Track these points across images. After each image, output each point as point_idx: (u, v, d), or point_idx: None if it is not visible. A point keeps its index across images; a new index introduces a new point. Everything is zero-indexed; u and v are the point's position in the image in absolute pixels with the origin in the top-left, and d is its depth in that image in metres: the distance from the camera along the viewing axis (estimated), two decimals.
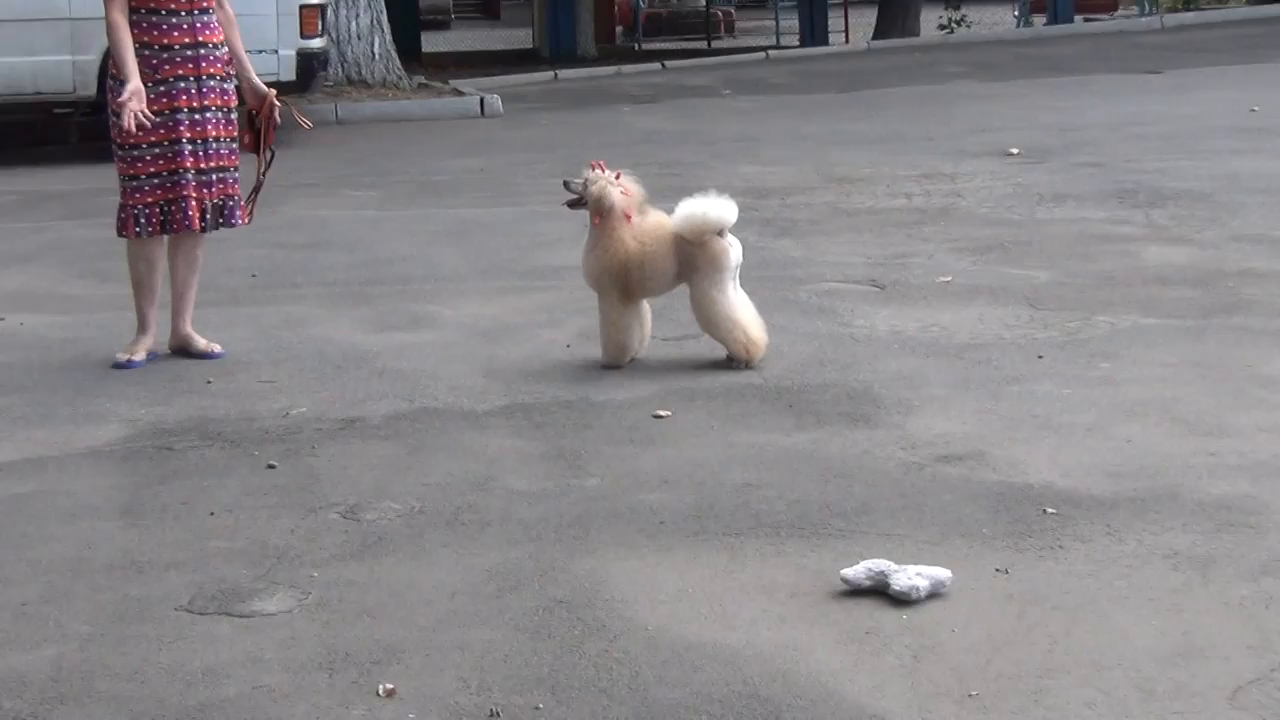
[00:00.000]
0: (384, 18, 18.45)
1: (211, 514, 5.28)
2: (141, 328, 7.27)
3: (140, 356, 7.19)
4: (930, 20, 27.30)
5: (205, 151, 7.12)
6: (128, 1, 7.00)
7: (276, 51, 14.22)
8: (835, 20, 28.41)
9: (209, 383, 6.88)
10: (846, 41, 27.17)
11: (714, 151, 13.55)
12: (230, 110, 7.20)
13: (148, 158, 7.04)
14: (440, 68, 22.61)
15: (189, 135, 7.07)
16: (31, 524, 5.24)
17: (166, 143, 7.05)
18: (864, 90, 18.29)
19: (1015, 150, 12.69)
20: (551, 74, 21.69)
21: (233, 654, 4.22)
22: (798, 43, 27.29)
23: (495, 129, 16.10)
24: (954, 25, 26.54)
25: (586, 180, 6.88)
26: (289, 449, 5.95)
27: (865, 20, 29.12)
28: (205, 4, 7.12)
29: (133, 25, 6.99)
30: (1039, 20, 27.92)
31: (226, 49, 7.19)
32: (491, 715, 3.85)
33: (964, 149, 13.03)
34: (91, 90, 13.75)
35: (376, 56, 18.36)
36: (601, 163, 6.96)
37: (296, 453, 5.90)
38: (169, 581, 4.72)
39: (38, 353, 7.45)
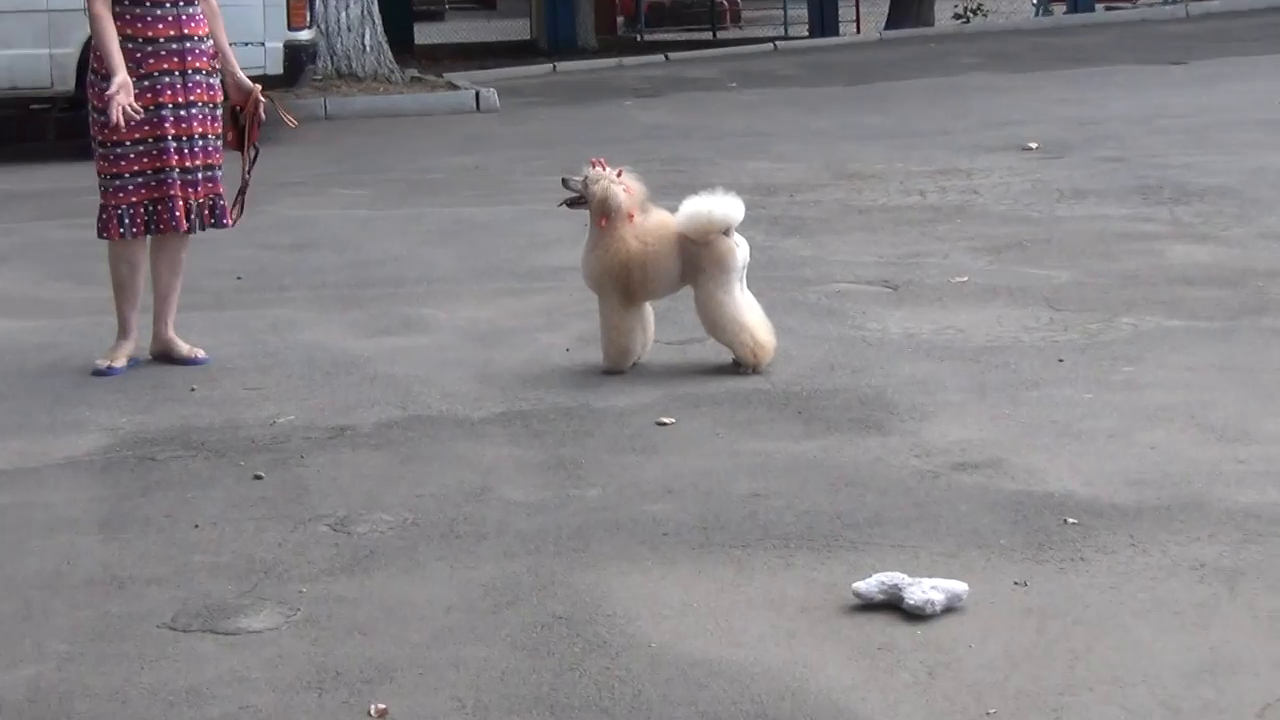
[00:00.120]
0: (375, 8, 18.45)
1: (196, 527, 5.28)
2: (122, 333, 7.27)
3: (121, 363, 7.19)
4: (945, 9, 27.32)
5: (190, 149, 7.12)
6: None
7: (262, 44, 14.21)
8: (846, 10, 28.42)
9: (193, 390, 6.88)
10: (858, 32, 27.17)
11: (719, 147, 13.55)
12: (216, 106, 7.21)
13: (131, 155, 7.05)
14: (434, 60, 22.61)
15: (173, 132, 7.07)
16: (7, 538, 5.24)
17: (151, 140, 7.06)
18: (876, 83, 18.29)
19: (1034, 145, 12.69)
20: (550, 66, 21.69)
21: (218, 673, 4.22)
22: (806, 33, 27.29)
23: (491, 124, 16.11)
24: (970, 14, 26.55)
25: (586, 178, 6.88)
26: (276, 459, 5.95)
27: (877, 10, 29.15)
28: None
29: (116, 17, 6.99)
30: (1058, 9, 27.92)
31: (212, 42, 7.20)
32: None
33: (980, 143, 13.03)
34: (70, 85, 13.75)
35: (367, 49, 18.37)
36: (602, 160, 6.96)
37: (284, 463, 5.90)
38: (151, 598, 4.72)
39: (13, 359, 7.46)
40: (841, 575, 4.67)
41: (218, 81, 7.21)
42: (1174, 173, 11.25)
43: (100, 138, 7.05)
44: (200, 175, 7.16)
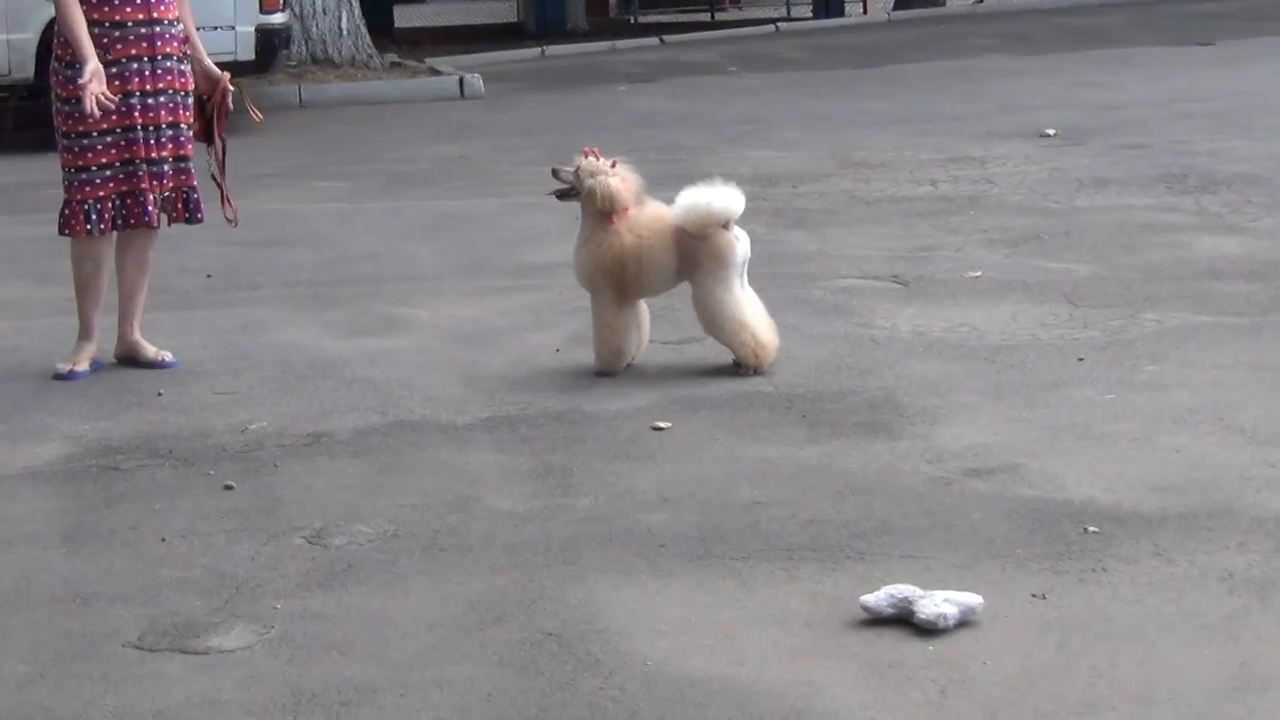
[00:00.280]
0: None
1: (163, 540, 5.28)
2: (85, 334, 7.26)
3: (83, 366, 7.19)
4: None
5: (157, 139, 7.10)
6: None
7: (233, 28, 14.20)
8: None
9: (159, 395, 6.88)
10: (864, 12, 27.19)
11: (718, 135, 13.56)
12: (187, 94, 7.19)
13: (99, 147, 7.03)
14: (415, 45, 22.63)
15: (141, 121, 7.06)
16: None
17: (120, 130, 7.04)
18: (884, 66, 18.30)
19: (1051, 131, 12.70)
20: (538, 50, 21.71)
21: (186, 695, 4.21)
22: (810, 14, 27.32)
23: (476, 112, 16.11)
24: None
25: (578, 169, 6.88)
26: (248, 468, 5.94)
27: None
28: None
29: (82, 1, 6.97)
30: None
31: (182, 26, 7.19)
32: None
33: (995, 130, 13.04)
34: (29, 72, 13.75)
35: (344, 33, 18.37)
36: (595, 149, 6.96)
37: (257, 472, 5.90)
38: (116, 615, 4.71)
39: None
40: (848, 588, 4.66)
41: (188, 68, 7.20)
42: (1200, 160, 11.26)
43: (65, 129, 7.04)
44: (167, 167, 7.15)
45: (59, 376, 7.13)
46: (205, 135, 7.32)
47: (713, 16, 28.94)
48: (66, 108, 6.98)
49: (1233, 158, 11.30)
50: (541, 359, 7.18)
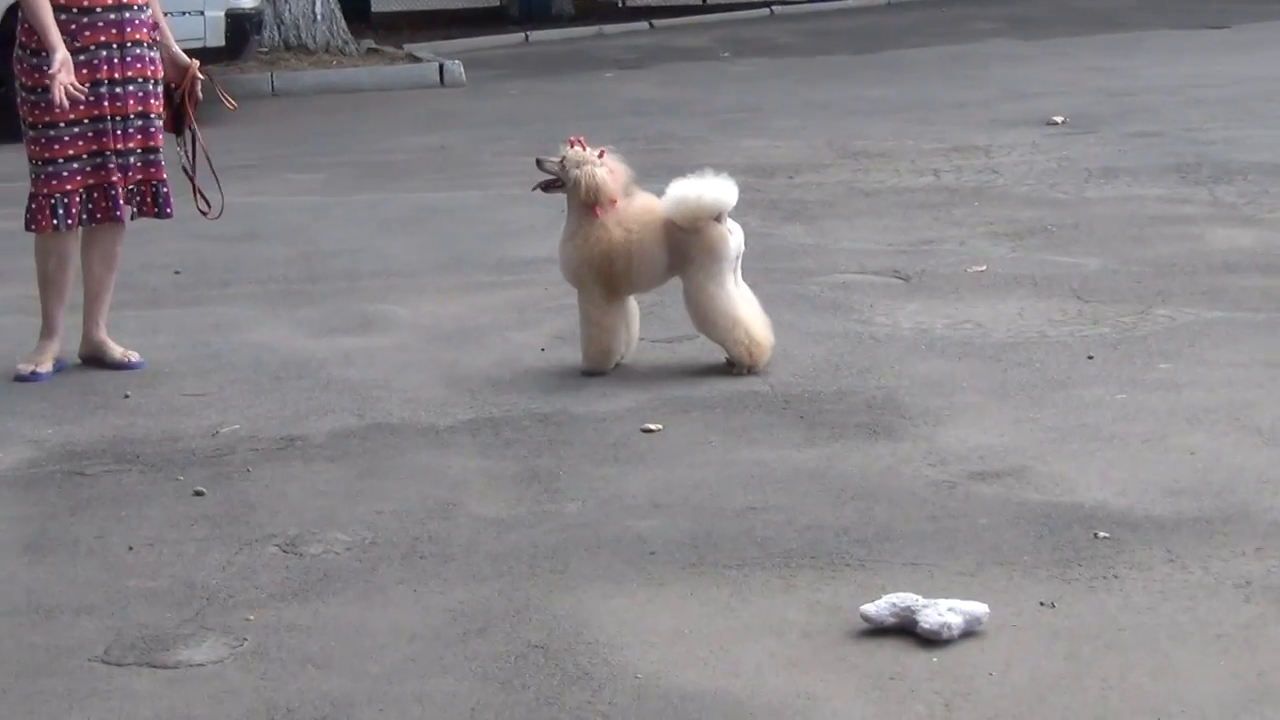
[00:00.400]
0: None
1: (130, 549, 5.27)
2: (48, 333, 7.25)
3: (46, 367, 7.18)
4: None
5: (125, 130, 7.09)
6: None
7: (202, 12, 14.17)
8: None
9: (126, 397, 6.87)
10: None
11: (710, 123, 13.56)
12: (156, 83, 7.18)
13: (66, 138, 7.02)
14: (393, 30, 22.59)
15: (110, 111, 7.05)
16: None
17: (88, 120, 7.03)
18: (884, 51, 18.30)
19: (1059, 119, 12.71)
20: (522, 36, 21.68)
21: (155, 711, 4.21)
22: None
23: (457, 100, 16.10)
24: None
25: (564, 159, 6.88)
26: (219, 473, 5.94)
27: None
28: None
29: None
30: None
31: (151, 11, 7.18)
32: None
33: (999, 118, 13.05)
34: None
35: (319, 17, 18.35)
36: (581, 139, 6.95)
37: (228, 477, 5.89)
38: (81, 628, 4.71)
39: None
40: (848, 597, 4.67)
41: (158, 55, 7.19)
42: (1214, 149, 11.27)
43: (32, 119, 7.02)
44: (135, 159, 7.14)
45: (20, 378, 7.12)
46: (174, 125, 7.31)
47: (704, 0, 28.91)
48: (33, 97, 6.96)
49: (1248, 146, 11.31)
50: (526, 358, 7.18)
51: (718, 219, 6.73)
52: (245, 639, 4.59)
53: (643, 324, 7.12)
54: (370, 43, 19.49)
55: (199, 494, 5.73)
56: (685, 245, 6.75)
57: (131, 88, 7.08)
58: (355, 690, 4.27)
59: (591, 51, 19.84)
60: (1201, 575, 4.75)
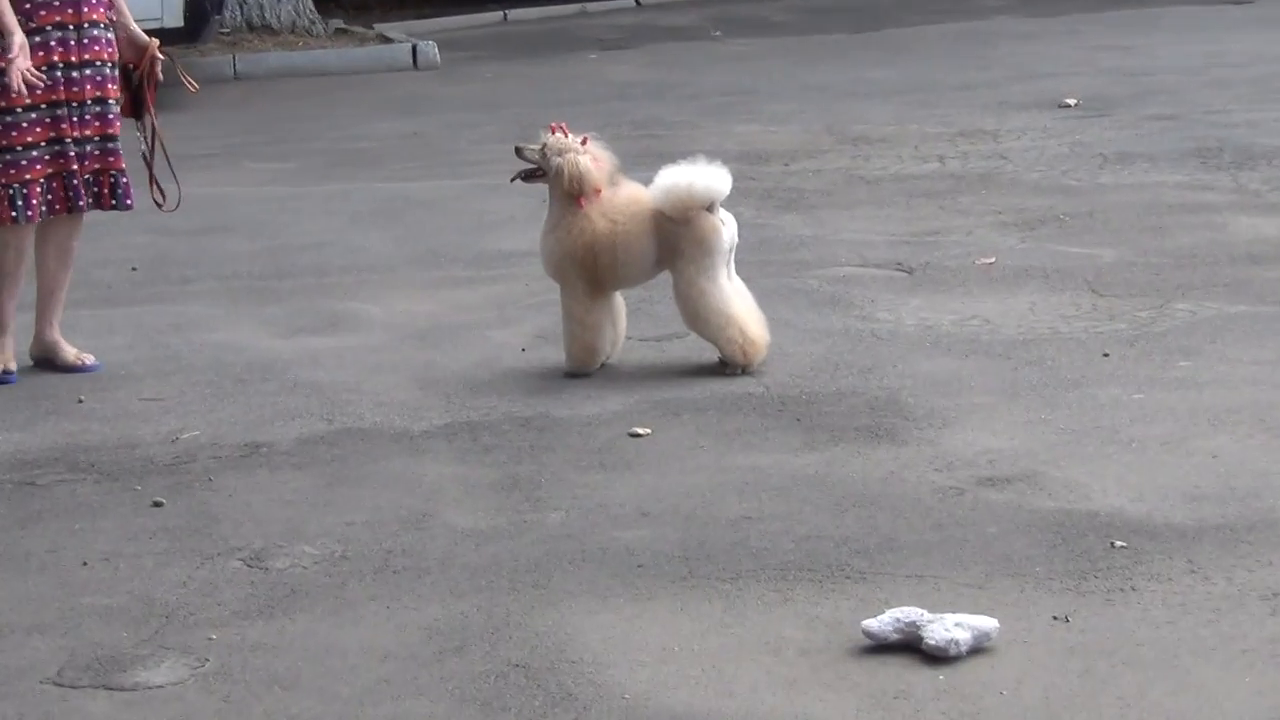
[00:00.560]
0: None
1: (84, 564, 5.27)
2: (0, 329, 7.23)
3: (13, 366, 7.15)
4: None
5: (81, 116, 7.08)
6: None
7: None
8: None
9: (80, 401, 6.87)
10: None
11: (701, 107, 13.56)
12: (114, 66, 7.17)
13: (24, 125, 7.00)
14: (362, 9, 22.58)
15: (65, 97, 7.03)
16: None
17: (46, 105, 7.00)
18: (885, 29, 18.31)
19: (1072, 101, 12.72)
20: (500, 14, 21.67)
21: None
22: None
23: (431, 84, 16.09)
24: None
25: (545, 147, 6.88)
26: (179, 482, 5.93)
27: None
28: None
29: None
30: None
31: None
32: None
33: (1008, 100, 13.06)
34: None
35: None
36: (563, 125, 6.96)
37: (189, 486, 5.89)
38: (33, 648, 4.70)
39: None
40: (849, 612, 4.67)
41: (114, 36, 7.18)
42: (1236, 132, 11.28)
43: None
44: (91, 148, 7.12)
45: None
46: (133, 110, 7.29)
47: None
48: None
49: (1273, 129, 11.32)
50: (505, 359, 7.18)
51: (709, 209, 6.73)
52: (207, 659, 4.59)
53: (630, 321, 7.12)
54: (339, 23, 19.48)
55: (158, 505, 5.72)
56: (675, 237, 6.75)
57: (89, 71, 7.07)
58: (324, 713, 4.27)
59: (574, 31, 19.84)
60: (1225, 586, 4.76)
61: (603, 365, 6.93)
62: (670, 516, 5.42)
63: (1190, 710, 4.11)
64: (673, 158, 6.90)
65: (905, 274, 8.22)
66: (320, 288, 8.48)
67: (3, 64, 6.83)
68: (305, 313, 8.03)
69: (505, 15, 21.59)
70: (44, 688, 4.47)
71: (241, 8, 18.08)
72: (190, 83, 7.55)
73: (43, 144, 7.02)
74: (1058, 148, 11.08)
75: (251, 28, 18.10)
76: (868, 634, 4.48)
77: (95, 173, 7.16)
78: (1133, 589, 4.76)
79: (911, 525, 5.27)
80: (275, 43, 17.86)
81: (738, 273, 6.89)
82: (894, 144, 11.52)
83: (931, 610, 4.51)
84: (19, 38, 6.82)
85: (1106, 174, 10.26)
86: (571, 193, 6.79)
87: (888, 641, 4.45)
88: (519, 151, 6.98)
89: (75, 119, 7.07)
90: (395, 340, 7.54)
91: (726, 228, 6.77)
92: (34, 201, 7.02)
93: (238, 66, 16.86)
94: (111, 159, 7.18)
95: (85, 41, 7.06)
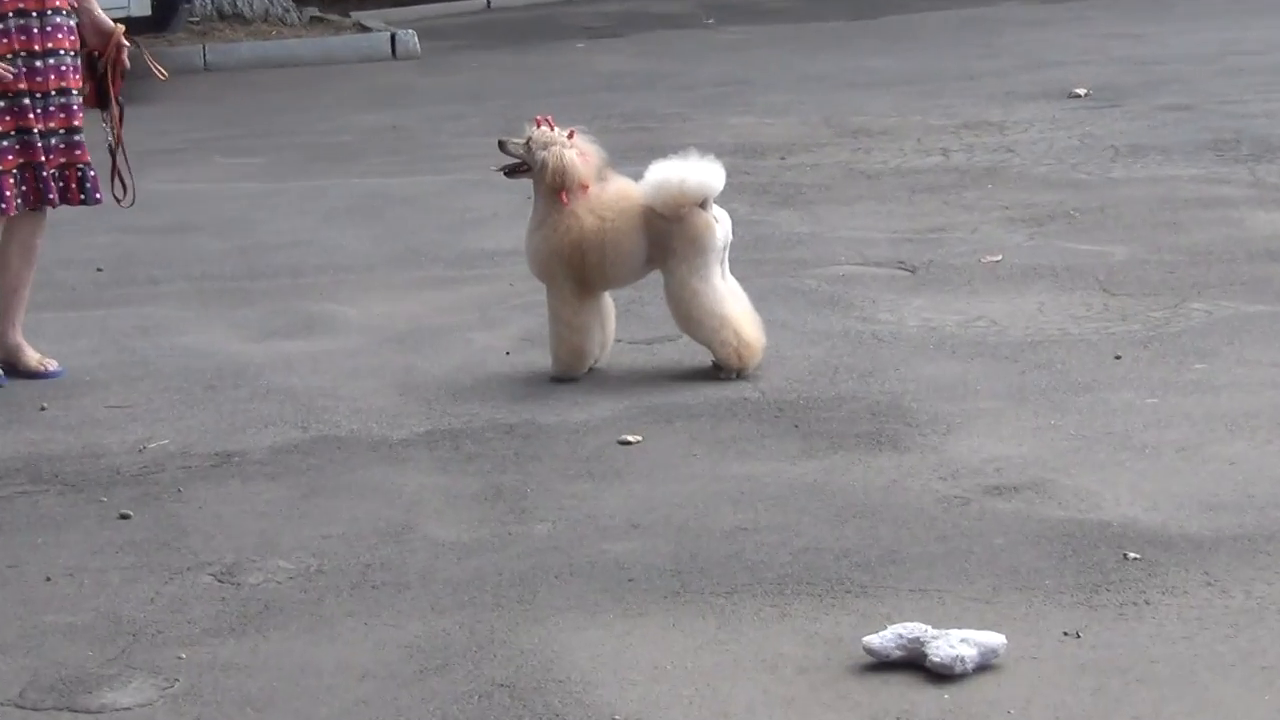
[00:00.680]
0: None
1: (48, 580, 5.26)
2: None
3: None
4: None
5: (45, 108, 7.07)
6: None
7: None
8: None
9: (43, 409, 6.86)
10: None
11: (693, 98, 13.56)
12: (75, 54, 7.16)
13: None
14: None
15: (27, 86, 7.02)
16: None
17: (11, 95, 7.00)
18: (886, 16, 18.32)
19: (1082, 91, 12.73)
20: (483, 2, 21.69)
21: None
22: None
23: (411, 74, 16.10)
24: None
25: (529, 140, 6.88)
26: (147, 493, 5.93)
27: None
28: None
29: None
30: None
31: None
32: None
33: (1015, 90, 13.07)
34: None
35: None
36: (549, 117, 6.95)
37: (157, 498, 5.88)
38: None
39: None
40: (849, 628, 4.67)
41: (74, 23, 7.17)
42: (1254, 123, 11.30)
43: None
44: (56, 140, 7.11)
45: None
46: (98, 99, 7.28)
47: None
48: None
49: None
50: (489, 363, 7.18)
51: (702, 205, 6.73)
52: (176, 679, 4.58)
53: (620, 323, 7.12)
54: (314, 11, 19.46)
55: (125, 517, 5.72)
56: (666, 235, 6.75)
57: (52, 60, 7.06)
58: None
59: (560, 19, 19.84)
60: (1243, 600, 4.76)
61: (591, 369, 6.93)
62: (662, 528, 5.42)
63: None
64: (664, 151, 6.90)
65: (907, 273, 8.23)
66: (295, 289, 8.47)
67: None
68: (279, 315, 8.02)
69: (488, 2, 21.59)
70: (5, 710, 4.47)
71: None
72: (159, 70, 7.54)
73: (12, 134, 7.01)
74: (1067, 140, 11.09)
75: (223, 16, 18.09)
76: (869, 651, 4.48)
77: (61, 167, 7.15)
78: (1147, 603, 4.76)
79: (915, 536, 5.27)
80: (247, 32, 17.85)
81: (732, 272, 6.89)
82: (895, 136, 11.52)
83: (936, 626, 4.52)
84: None
85: (1118, 167, 10.26)
86: (557, 188, 6.78)
87: (890, 659, 4.45)
88: (502, 145, 6.97)
89: (40, 110, 7.05)
90: (373, 344, 7.54)
91: (720, 225, 6.77)
92: (8, 194, 7.01)
93: (208, 57, 16.85)
94: (78, 152, 7.17)
95: (49, 29, 7.05)
